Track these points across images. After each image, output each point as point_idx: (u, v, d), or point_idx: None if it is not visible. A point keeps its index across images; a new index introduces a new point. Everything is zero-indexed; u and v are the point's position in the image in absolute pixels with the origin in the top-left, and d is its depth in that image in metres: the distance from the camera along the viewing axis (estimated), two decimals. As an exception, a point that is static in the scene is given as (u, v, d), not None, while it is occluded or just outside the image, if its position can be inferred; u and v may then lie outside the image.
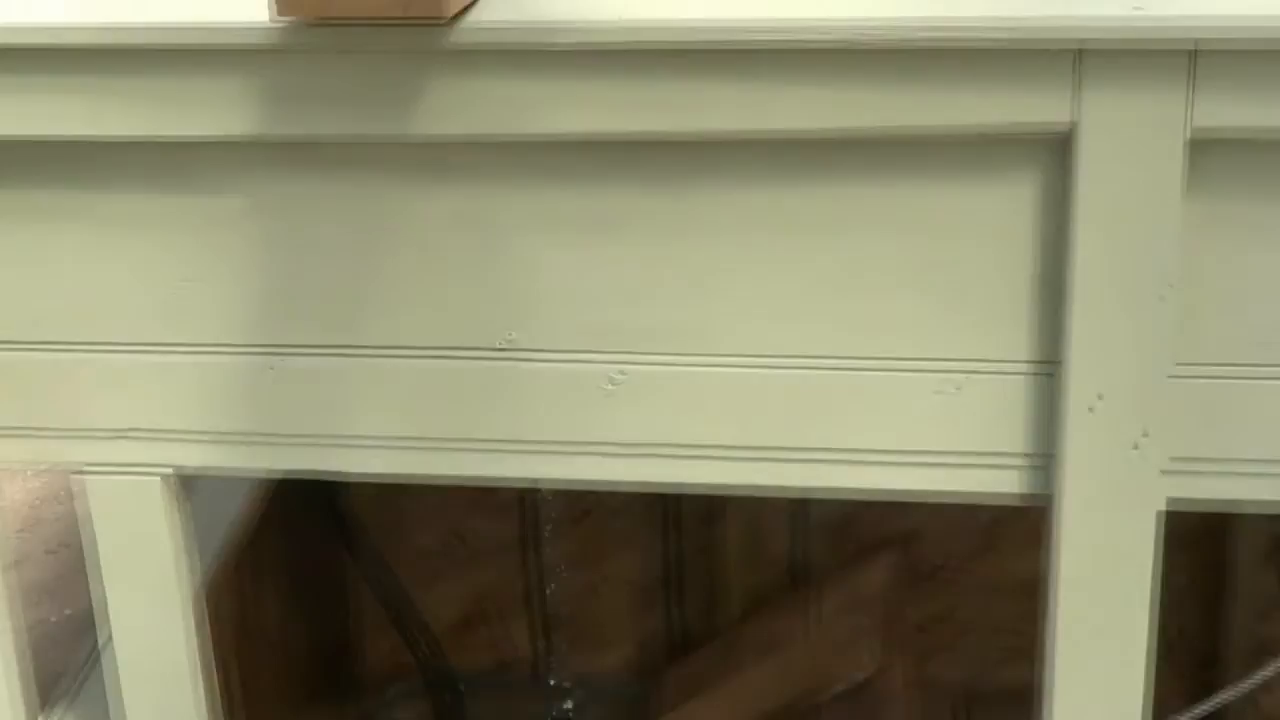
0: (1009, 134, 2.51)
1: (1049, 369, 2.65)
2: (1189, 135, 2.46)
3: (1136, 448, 2.64)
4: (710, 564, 4.82)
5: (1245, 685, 3.95)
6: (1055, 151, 2.52)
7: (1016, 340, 2.64)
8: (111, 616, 3.03)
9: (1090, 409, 2.61)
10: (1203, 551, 4.60)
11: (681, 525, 4.82)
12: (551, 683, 4.96)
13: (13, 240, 2.76)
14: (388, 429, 2.80)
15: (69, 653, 4.00)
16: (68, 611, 4.52)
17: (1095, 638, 2.75)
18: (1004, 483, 2.75)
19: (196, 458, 2.88)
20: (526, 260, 2.66)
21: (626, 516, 4.83)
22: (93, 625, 4.13)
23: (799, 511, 4.75)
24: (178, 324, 2.77)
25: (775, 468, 2.75)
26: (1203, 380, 2.63)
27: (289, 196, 2.66)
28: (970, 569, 4.77)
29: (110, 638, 3.81)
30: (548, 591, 4.90)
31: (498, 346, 2.72)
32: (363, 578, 4.93)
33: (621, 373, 2.72)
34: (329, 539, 4.86)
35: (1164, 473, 2.66)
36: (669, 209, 2.61)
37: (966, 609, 4.79)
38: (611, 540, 4.86)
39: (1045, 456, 2.70)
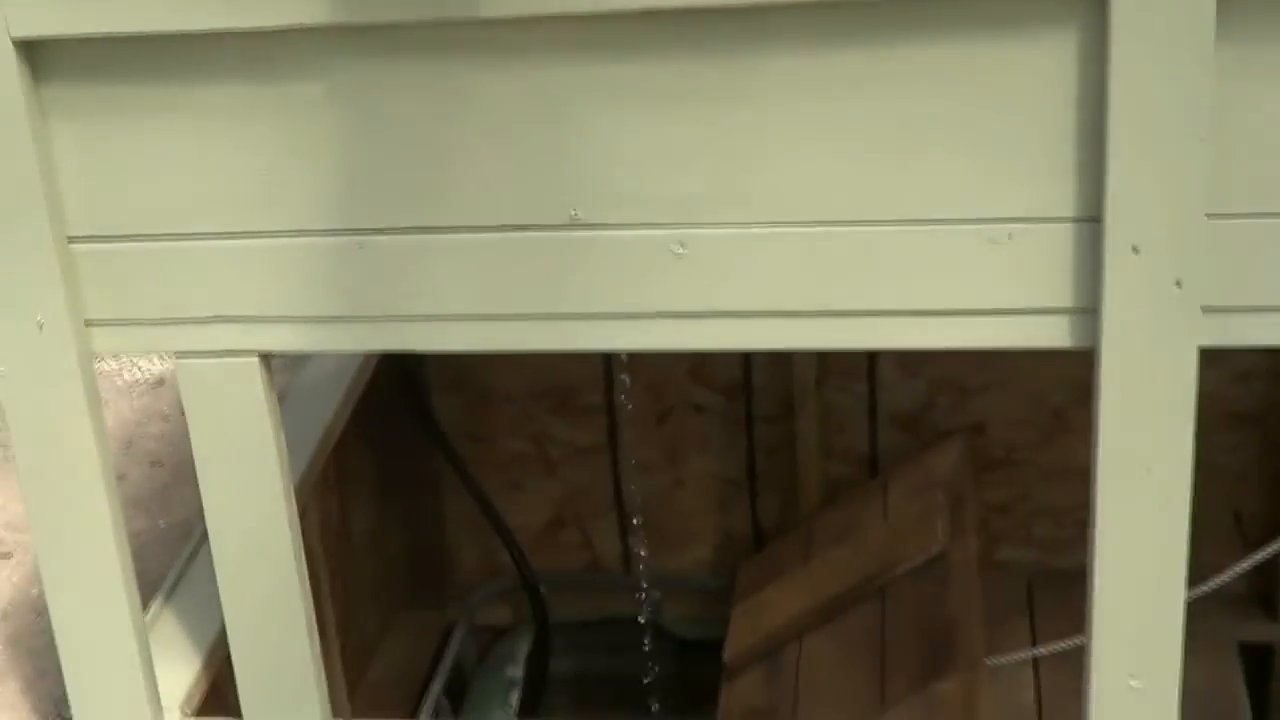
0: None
1: (1093, 221, 2.78)
2: (1218, -17, 2.59)
3: (1175, 290, 2.77)
4: (787, 459, 4.97)
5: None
6: (1092, 3, 2.64)
7: (1061, 194, 2.77)
8: (208, 500, 3.19)
9: (1131, 253, 2.74)
10: (1265, 431, 4.72)
11: (758, 422, 4.98)
12: (638, 583, 5.11)
13: (106, 136, 2.92)
14: (466, 306, 2.95)
15: (169, 559, 4.20)
16: (161, 524, 4.71)
17: (1140, 475, 2.88)
18: (1053, 333, 2.87)
19: (287, 340, 3.04)
20: (591, 135, 2.80)
21: (705, 416, 4.98)
22: (187, 536, 4.33)
23: (872, 405, 4.90)
24: (266, 211, 2.92)
25: (837, 326, 2.89)
26: (1237, 225, 2.76)
27: (367, 82, 2.82)
28: (1036, 456, 4.91)
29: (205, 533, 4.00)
30: (631, 492, 5.05)
31: (565, 222, 2.87)
32: (450, 485, 5.11)
33: (683, 243, 2.87)
34: (417, 448, 5.04)
35: (1202, 312, 2.79)
36: (725, 78, 2.75)
37: (1033, 494, 4.94)
38: (691, 440, 5.02)
39: (1090, 308, 2.83)
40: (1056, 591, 4.87)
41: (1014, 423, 4.87)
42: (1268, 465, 4.25)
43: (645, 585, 5.02)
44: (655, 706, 4.83)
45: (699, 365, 4.93)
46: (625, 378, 4.79)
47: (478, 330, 2.98)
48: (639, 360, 4.85)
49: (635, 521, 5.04)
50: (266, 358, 3.08)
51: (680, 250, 2.87)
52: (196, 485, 4.83)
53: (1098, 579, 2.98)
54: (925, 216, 2.82)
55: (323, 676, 3.32)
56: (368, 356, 4.55)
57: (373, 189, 2.89)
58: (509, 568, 5.17)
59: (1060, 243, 2.81)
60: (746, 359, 4.92)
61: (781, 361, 4.87)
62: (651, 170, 2.82)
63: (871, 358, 4.85)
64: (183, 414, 5.22)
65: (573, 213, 2.86)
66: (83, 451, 3.11)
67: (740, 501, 5.09)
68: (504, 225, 2.89)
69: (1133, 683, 3.03)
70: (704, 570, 5.16)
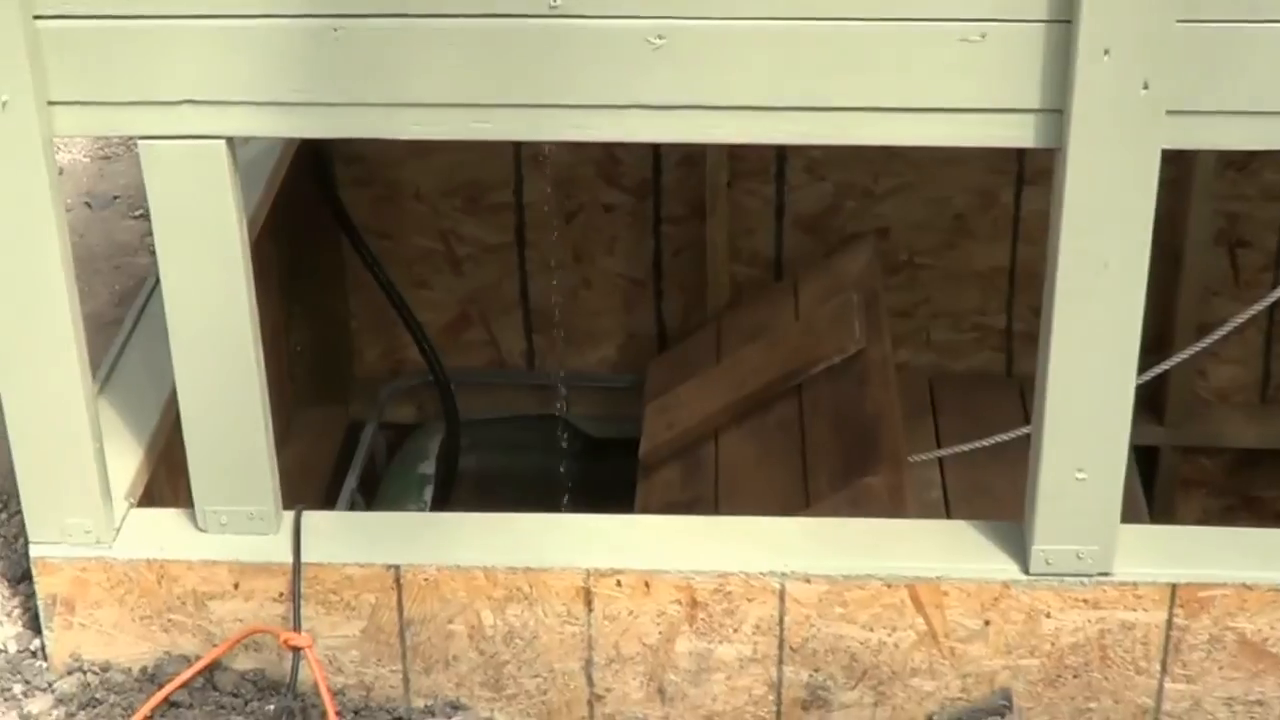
0: None
1: (1064, 23, 2.84)
2: None
3: (1142, 93, 2.84)
4: (694, 260, 5.03)
5: (1183, 355, 4.22)
6: None
7: (1034, -6, 2.84)
8: (168, 283, 3.17)
9: (1102, 55, 2.81)
10: (1157, 238, 4.82)
11: (666, 223, 5.02)
12: (543, 381, 5.16)
13: (76, -90, 2.89)
14: (442, 94, 2.96)
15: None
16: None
17: (1097, 271, 2.97)
18: (1021, 132, 2.94)
19: (256, 124, 3.03)
20: (575, -80, 2.82)
21: (614, 215, 5.02)
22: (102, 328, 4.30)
23: (779, 207, 4.96)
24: (240, -9, 2.91)
25: (810, 121, 2.94)
26: (1206, 29, 2.83)
27: None
28: (937, 261, 5.00)
29: (144, 309, 3.98)
30: (537, 290, 5.08)
31: (544, 11, 2.88)
32: (355, 281, 5.11)
33: (662, 35, 2.89)
34: (323, 243, 5.03)
35: (1167, 114, 2.87)
36: None
37: (934, 298, 5.04)
38: (598, 239, 5.05)
39: (1058, 108, 2.90)
40: (957, 393, 4.99)
41: (916, 227, 4.96)
42: (1158, 272, 4.37)
43: (551, 382, 5.07)
44: (565, 500, 4.90)
45: (609, 165, 4.96)
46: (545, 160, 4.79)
47: (451, 117, 2.99)
48: (548, 158, 4.86)
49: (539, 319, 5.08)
50: (233, 142, 3.07)
51: (658, 42, 2.90)
52: (103, 277, 4.82)
53: (1051, 372, 3.07)
54: (901, 15, 2.87)
55: (275, 463, 3.35)
56: (286, 148, 4.53)
57: (350, -30, 2.89)
58: (412, 364, 5.20)
59: (1032, 43, 2.87)
60: (656, 159, 4.95)
61: (690, 163, 4.91)
62: (633, -41, 2.85)
63: (780, 160, 4.90)
64: (86, 204, 5.21)
65: (553, 2, 2.87)
66: (41, 230, 3.09)
67: (646, 301, 5.14)
68: (484, 13, 2.89)
69: (1079, 474, 3.14)
70: (609, 369, 5.21)
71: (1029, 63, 2.88)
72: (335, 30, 2.92)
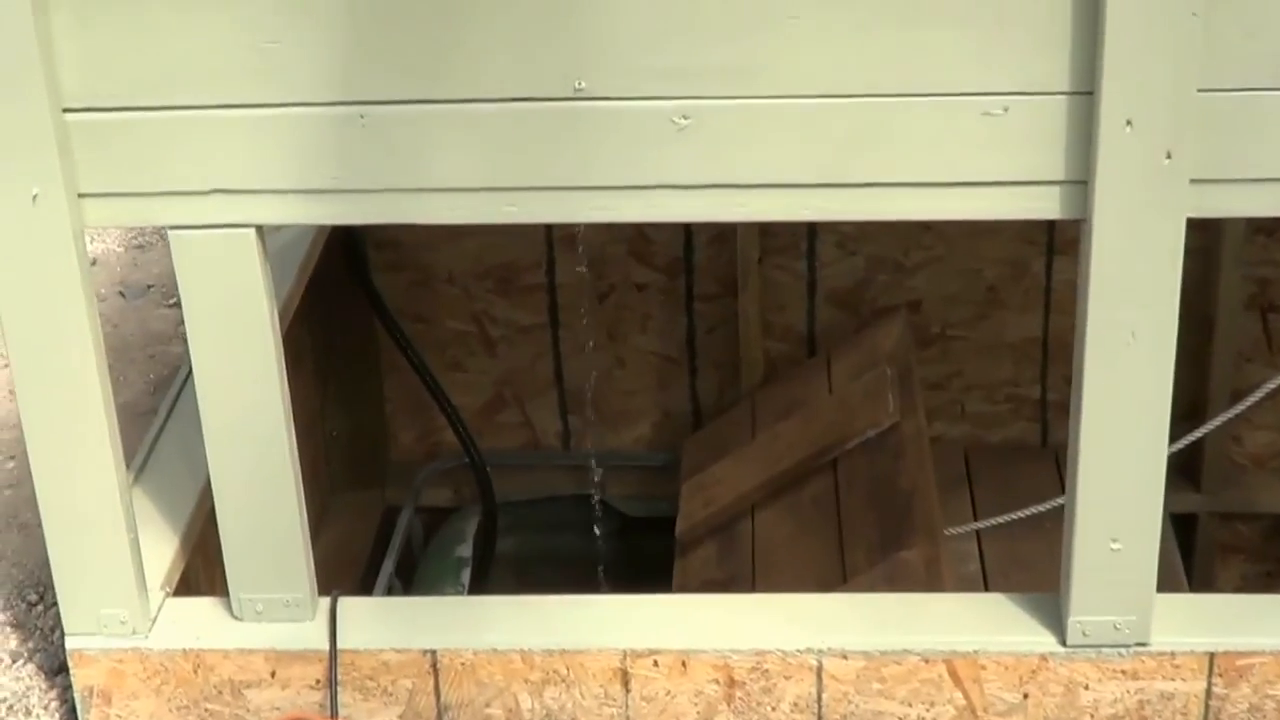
0: None
1: (1086, 94, 2.85)
2: None
3: (1165, 162, 2.85)
4: (727, 337, 5.03)
5: (1217, 422, 4.21)
6: (1089, -117, 2.72)
7: (1056, 68, 2.84)
8: (200, 371, 3.19)
9: (1124, 126, 2.82)
10: (1189, 307, 4.82)
11: (698, 300, 5.03)
12: (579, 461, 5.16)
13: (104, 5, 2.90)
14: (468, 178, 2.98)
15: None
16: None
17: (1125, 341, 2.97)
18: (1046, 204, 2.95)
19: (285, 212, 3.06)
20: (596, 5, 2.83)
21: (647, 294, 5.03)
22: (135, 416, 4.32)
23: (811, 282, 4.97)
24: (266, 82, 2.93)
25: (836, 197, 2.96)
26: (1227, 98, 2.84)
27: (372, -49, 2.84)
28: (970, 333, 5.00)
29: (178, 398, 4.00)
30: (571, 370, 5.09)
31: (569, 94, 2.90)
32: (390, 365, 5.12)
33: (686, 115, 2.91)
34: (358, 327, 5.06)
35: (1190, 184, 2.87)
36: (732, -49, 2.80)
37: (967, 370, 5.04)
38: (631, 318, 5.07)
39: (1082, 179, 2.91)
40: (993, 465, 4.97)
41: (948, 299, 4.96)
42: (1190, 339, 4.35)
43: (587, 462, 5.07)
44: (602, 580, 4.90)
45: (640, 244, 4.97)
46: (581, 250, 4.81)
47: (480, 201, 3.00)
48: (579, 238, 4.88)
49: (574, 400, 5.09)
50: (263, 230, 3.09)
51: (683, 122, 2.91)
52: (137, 366, 4.85)
53: (1082, 444, 3.07)
54: (924, 90, 2.88)
55: (309, 550, 3.35)
56: (318, 234, 4.56)
57: (376, 60, 2.91)
58: (448, 447, 5.20)
59: (1054, 116, 2.88)
60: (688, 237, 4.96)
61: (722, 240, 4.93)
62: (656, 42, 2.86)
63: (811, 235, 4.91)
64: (120, 294, 5.25)
65: (578, 84, 2.89)
66: (74, 323, 3.11)
67: (680, 379, 5.15)
68: (508, 97, 2.91)
69: (1114, 545, 3.13)
70: (645, 447, 5.21)
71: (1052, 135, 2.89)
72: (362, 117, 2.94)
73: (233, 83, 2.93)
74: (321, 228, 4.55)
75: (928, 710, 3.28)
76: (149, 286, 5.34)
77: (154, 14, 2.90)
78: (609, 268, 5.00)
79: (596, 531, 5.03)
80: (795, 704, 3.28)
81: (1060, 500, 3.39)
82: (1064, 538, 3.19)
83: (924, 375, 4.83)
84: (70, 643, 3.37)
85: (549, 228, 4.92)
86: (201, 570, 3.70)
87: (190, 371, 3.30)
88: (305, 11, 2.87)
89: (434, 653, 3.32)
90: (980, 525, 4.46)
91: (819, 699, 3.28)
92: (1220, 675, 3.22)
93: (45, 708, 3.55)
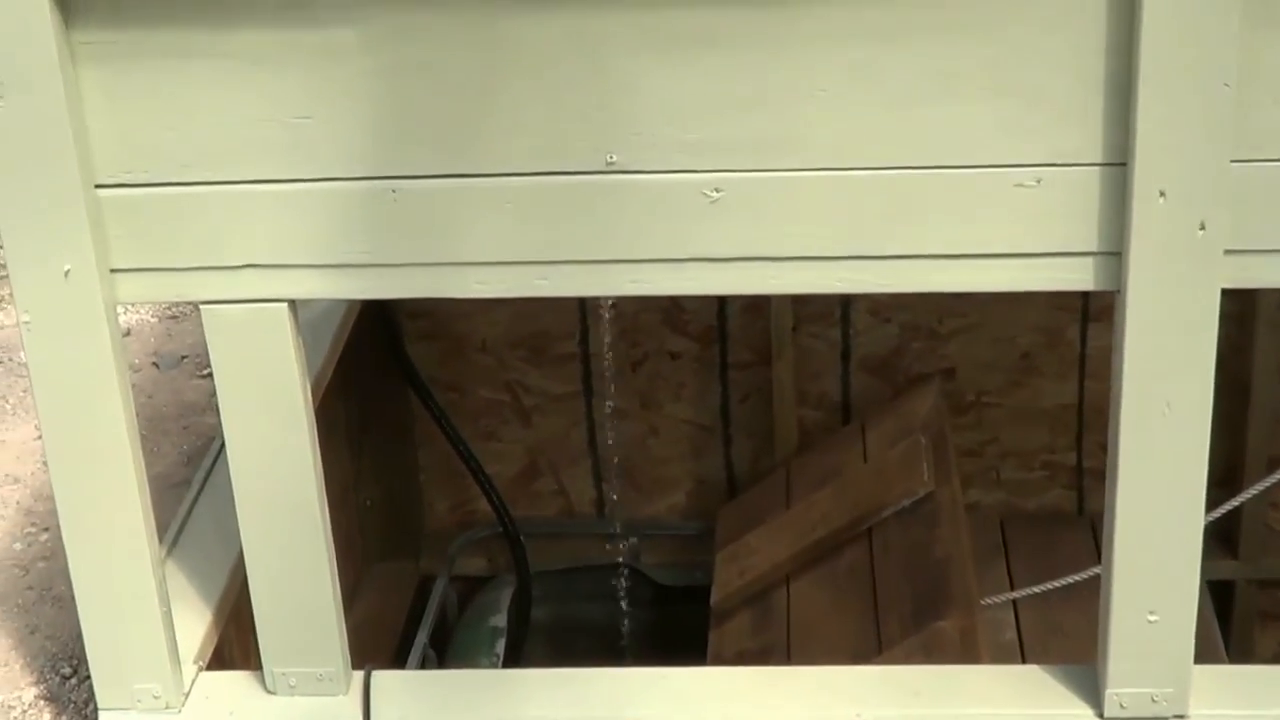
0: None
1: (1119, 165, 2.84)
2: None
3: (1199, 233, 2.84)
4: (761, 405, 5.03)
5: (1255, 490, 4.18)
6: (1122, -49, 2.71)
7: (1089, 140, 2.83)
8: (234, 446, 3.19)
9: (1158, 197, 2.81)
10: (1225, 372, 4.80)
11: (732, 369, 5.03)
12: (613, 530, 5.15)
13: (136, 82, 2.92)
14: (500, 252, 2.98)
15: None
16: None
17: (1161, 412, 2.95)
18: (1080, 276, 2.93)
19: (318, 287, 3.05)
20: (629, 80, 2.84)
21: (680, 362, 5.03)
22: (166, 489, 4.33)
23: (845, 350, 4.96)
24: (298, 157, 2.93)
25: (868, 270, 2.95)
26: (1261, 169, 2.83)
27: (402, 27, 2.83)
28: (1005, 400, 4.99)
29: (212, 469, 3.99)
30: (607, 440, 5.09)
31: (601, 168, 2.90)
32: (422, 434, 5.13)
33: (718, 188, 2.91)
34: (391, 397, 5.06)
35: (1224, 254, 2.86)
36: (763, 25, 2.79)
37: (1002, 437, 5.02)
38: (665, 386, 5.07)
39: (1116, 251, 2.90)
40: (1029, 533, 4.96)
41: (983, 367, 4.95)
42: (1226, 406, 4.34)
43: (621, 531, 5.07)
44: (637, 650, 4.88)
45: (673, 312, 4.98)
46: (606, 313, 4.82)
47: (511, 275, 3.00)
48: (612, 307, 4.89)
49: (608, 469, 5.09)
50: (294, 304, 3.09)
51: (715, 195, 2.91)
52: (171, 438, 4.86)
53: (1118, 515, 3.05)
54: (956, 162, 2.88)
55: (343, 623, 3.34)
56: (351, 305, 4.57)
57: (408, 135, 2.91)
58: (481, 517, 5.20)
59: (1087, 187, 2.87)
60: (721, 305, 4.97)
61: (756, 308, 4.93)
62: (688, 116, 2.86)
63: (845, 304, 4.91)
64: (154, 365, 5.26)
65: (610, 158, 2.89)
66: (106, 399, 3.11)
67: (714, 448, 5.14)
68: (540, 171, 2.91)
69: (1151, 617, 3.11)
70: (679, 516, 5.21)
71: (1085, 206, 2.88)
72: (394, 191, 2.94)
73: (263, 158, 2.94)
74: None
75: (964, 783, 3.26)
76: (183, 357, 5.36)
77: (185, 91, 2.91)
78: (642, 336, 5.01)
79: (627, 602, 5.02)
80: (831, 777, 3.27)
81: (1097, 569, 3.37)
82: (1100, 610, 3.17)
83: (959, 442, 4.82)
84: (104, 717, 3.36)
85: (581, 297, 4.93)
86: (235, 643, 3.69)
87: (224, 443, 3.31)
88: (335, 87, 2.88)
89: (468, 727, 3.31)
90: (1016, 595, 4.44)
91: (855, 772, 3.26)
92: (1259, 747, 3.19)
93: (78, 782, 3.55)
